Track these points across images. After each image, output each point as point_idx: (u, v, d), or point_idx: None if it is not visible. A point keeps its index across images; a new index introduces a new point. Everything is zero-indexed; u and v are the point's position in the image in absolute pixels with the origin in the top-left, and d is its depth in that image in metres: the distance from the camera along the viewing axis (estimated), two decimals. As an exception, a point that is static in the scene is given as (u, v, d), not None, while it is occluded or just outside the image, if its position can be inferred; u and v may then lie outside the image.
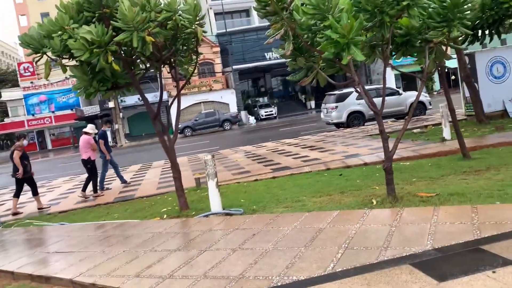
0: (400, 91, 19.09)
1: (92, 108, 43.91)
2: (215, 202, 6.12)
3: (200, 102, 38.69)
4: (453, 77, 40.41)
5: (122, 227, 6.18)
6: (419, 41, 5.92)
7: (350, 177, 7.57)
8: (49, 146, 46.22)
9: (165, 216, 6.77)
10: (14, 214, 9.02)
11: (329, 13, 4.79)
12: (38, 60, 6.56)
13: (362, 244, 3.91)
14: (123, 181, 10.91)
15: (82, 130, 10.46)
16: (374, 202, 5.60)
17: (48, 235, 6.53)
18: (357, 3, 4.96)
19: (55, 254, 5.34)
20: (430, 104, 18.73)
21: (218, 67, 41.26)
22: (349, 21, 4.57)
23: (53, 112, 45.14)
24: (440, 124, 13.55)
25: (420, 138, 11.16)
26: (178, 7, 6.11)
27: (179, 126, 31.04)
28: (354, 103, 18.09)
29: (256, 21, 44.81)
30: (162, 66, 6.84)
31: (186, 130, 32.87)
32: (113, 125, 35.30)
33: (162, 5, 5.98)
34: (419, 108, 18.49)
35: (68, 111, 44.02)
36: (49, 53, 6.26)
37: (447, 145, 9.17)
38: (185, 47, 7.16)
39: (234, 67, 38.02)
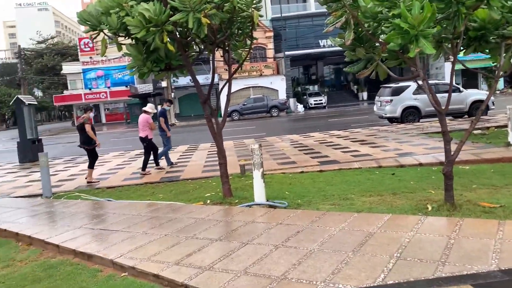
0: (461, 88, 17.96)
1: (145, 86, 45.15)
2: (259, 193, 5.96)
3: (249, 87, 38.65)
4: (519, 76, 37.81)
5: (165, 209, 6.17)
6: (495, 36, 5.39)
7: (404, 177, 7.15)
8: (103, 120, 48.10)
9: (208, 201, 6.70)
10: (89, 183, 9.31)
11: (399, 0, 4.40)
12: (95, 37, 6.59)
13: (417, 255, 3.60)
14: (170, 163, 10.99)
15: (142, 108, 10.56)
16: (429, 208, 5.22)
17: (95, 210, 6.66)
18: (431, -9, 4.52)
19: (99, 231, 5.40)
20: (493, 104, 17.53)
21: (270, 53, 40.91)
22: (421, 10, 4.18)
23: (108, 87, 46.83)
24: (504, 126, 12.65)
25: (481, 140, 10.42)
26: (236, -11, 5.90)
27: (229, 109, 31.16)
28: (410, 97, 17.26)
29: (312, 7, 43.89)
30: (215, 49, 6.68)
31: (234, 114, 32.96)
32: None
33: (220, -14, 5.80)
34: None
35: (123, 88, 45.47)
36: (106, 31, 6.28)
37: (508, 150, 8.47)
38: (240, 31, 6.97)
39: (287, 53, 37.50)
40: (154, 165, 10.48)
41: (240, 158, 10.88)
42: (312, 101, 37.79)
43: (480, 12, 4.93)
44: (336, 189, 6.72)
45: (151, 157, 10.27)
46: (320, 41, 39.51)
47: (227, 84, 7.08)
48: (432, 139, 11.29)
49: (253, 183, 6.20)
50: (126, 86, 45.06)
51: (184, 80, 38.23)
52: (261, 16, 6.46)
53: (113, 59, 45.34)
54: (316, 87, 43.65)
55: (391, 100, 17.43)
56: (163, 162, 10.88)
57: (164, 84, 36.14)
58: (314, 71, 47.68)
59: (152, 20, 5.52)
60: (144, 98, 44.19)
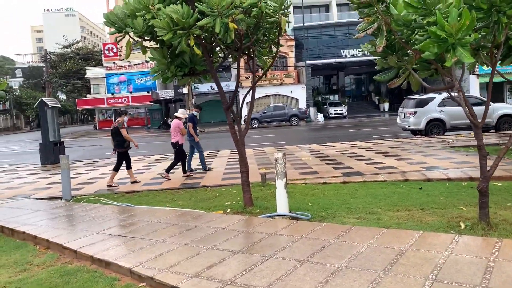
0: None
1: (167, 92, 45.54)
2: (282, 203, 5.76)
3: (270, 95, 38.58)
4: (548, 91, 36.71)
5: (185, 217, 6.02)
6: (537, 47, 5.12)
7: (432, 192, 6.86)
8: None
9: (228, 210, 6.54)
10: (109, 186, 9.41)
11: (435, 7, 4.19)
12: (121, 39, 6.55)
13: (454, 278, 3.34)
14: (190, 169, 10.90)
15: (173, 114, 10.72)
16: (462, 226, 4.94)
17: (114, 215, 6.56)
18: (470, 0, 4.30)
19: (118, 237, 5.28)
20: (521, 119, 16.95)
21: (291, 61, 40.82)
22: (458, 18, 3.96)
23: (130, 92, 47.43)
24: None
25: (511, 156, 10.00)
26: (264, -6, 5.77)
27: (245, 117, 31.15)
28: (435, 110, 16.85)
29: (335, 17, 43.76)
30: (241, 55, 6.55)
31: (253, 122, 32.84)
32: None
33: (248, -10, 5.68)
34: (508, 122, 16.84)
35: (145, 93, 45.98)
36: (131, 34, 6.23)
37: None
38: (265, 38, 6.84)
39: (308, 62, 37.33)
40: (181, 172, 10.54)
41: (260, 167, 10.71)
42: (332, 110, 37.43)
43: (522, 21, 4.67)
44: (361, 202, 6.48)
45: (179, 163, 10.37)
46: (342, 51, 39.26)
47: (251, 91, 6.95)
48: (459, 153, 10.91)
49: (275, 193, 6.01)
50: (148, 92, 45.55)
51: (204, 87, 38.45)
52: (288, 22, 6.31)
53: (136, 64, 45.96)
54: (336, 97, 43.29)
55: (415, 112, 17.04)
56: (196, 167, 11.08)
57: (185, 90, 36.41)
58: (334, 81, 47.35)
59: (179, 23, 5.43)
60: (165, 104, 44.63)
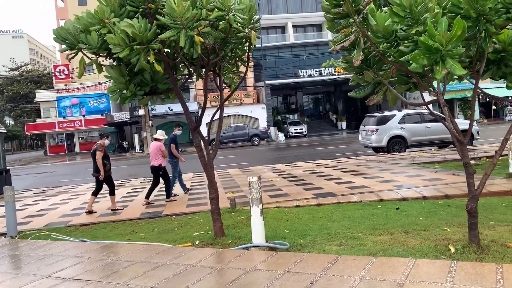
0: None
1: (122, 114, 44.17)
2: (258, 232, 5.24)
3: (230, 115, 38.18)
4: (494, 106, 38.66)
5: (149, 252, 5.36)
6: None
7: (410, 212, 6.58)
8: (77, 149, 46.51)
9: (197, 242, 5.93)
10: (88, 212, 8.87)
11: (422, 17, 3.92)
12: (73, 57, 5.90)
13: (467, 316, 2.95)
14: (187, 189, 10.51)
15: (152, 136, 10.25)
16: (452, 250, 4.62)
17: (67, 253, 5.78)
18: (456, 8, 4.07)
19: (72, 282, 4.55)
20: (478, 134, 17.44)
21: (250, 81, 40.77)
22: (451, 29, 3.70)
23: (83, 115, 45.55)
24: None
25: (479, 171, 10.00)
26: (232, 6, 5.36)
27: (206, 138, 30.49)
28: (395, 127, 17.02)
29: (291, 38, 44.37)
30: (208, 72, 6.07)
31: (214, 143, 32.22)
32: (143, 132, 35.10)
33: (215, 2, 5.25)
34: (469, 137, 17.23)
35: (98, 116, 44.28)
36: (85, 50, 5.63)
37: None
38: (232, 54, 6.42)
39: (267, 82, 37.40)
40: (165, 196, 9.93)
41: (227, 191, 10.16)
42: (292, 130, 37.52)
43: (504, 33, 4.51)
44: (340, 226, 6.07)
45: (157, 187, 9.85)
46: (299, 70, 39.68)
47: (219, 111, 6.47)
48: (426, 169, 10.86)
49: (246, 220, 5.53)
50: (102, 115, 43.94)
51: (162, 108, 37.52)
52: (258, 37, 5.92)
53: (89, 86, 44.34)
54: (296, 116, 43.58)
55: (377, 130, 17.13)
56: (178, 190, 10.55)
57: (141, 112, 35.29)
58: (293, 100, 47.75)
59: (136, 37, 4.90)
60: (121, 127, 43.20)
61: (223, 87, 6.78)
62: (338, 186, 9.40)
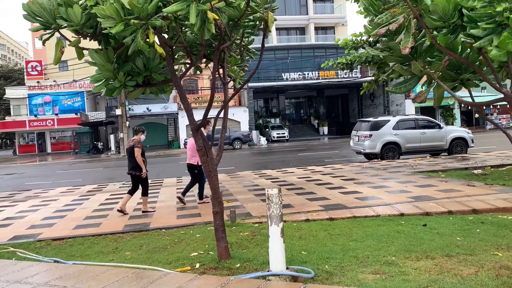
0: (442, 124, 17.31)
1: (97, 114, 42.41)
2: (278, 258, 4.25)
3: (211, 118, 36.89)
4: (476, 115, 38.85)
5: (140, 281, 4.29)
6: None
7: (441, 230, 5.72)
8: (49, 149, 44.37)
9: (197, 265, 4.90)
10: (120, 211, 8.23)
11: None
12: (47, 39, 4.80)
13: None
14: (202, 195, 9.35)
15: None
16: (522, 283, 3.74)
17: (35, 280, 4.64)
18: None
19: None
20: (473, 142, 16.94)
21: (232, 83, 39.73)
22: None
23: (56, 114, 43.52)
24: (500, 166, 11.80)
25: (487, 181, 9.32)
26: (250, -20, 4.39)
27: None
28: (390, 133, 16.33)
29: (274, 40, 43.64)
30: (218, 58, 5.05)
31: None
32: (119, 133, 33.57)
33: (230, -27, 4.28)
34: (460, 145, 16.73)
35: (72, 115, 42.36)
36: (64, 30, 4.56)
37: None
38: (243, 40, 5.45)
39: (249, 84, 36.44)
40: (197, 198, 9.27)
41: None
42: (275, 134, 36.70)
43: None
44: (366, 247, 5.15)
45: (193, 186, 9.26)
46: (282, 74, 38.92)
47: (223, 110, 5.47)
48: (434, 179, 10.10)
49: (251, 237, 4.58)
50: (76, 114, 42.04)
51: (140, 109, 36.09)
52: (275, 20, 4.96)
53: (63, 84, 42.41)
54: (277, 120, 42.80)
55: (371, 135, 16.39)
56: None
57: (118, 112, 33.74)
58: (275, 104, 46.99)
59: (134, 9, 3.87)
60: (96, 127, 41.42)
61: (227, 80, 5.79)
62: (345, 196, 8.50)
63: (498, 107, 38.52)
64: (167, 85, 5.50)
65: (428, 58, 4.53)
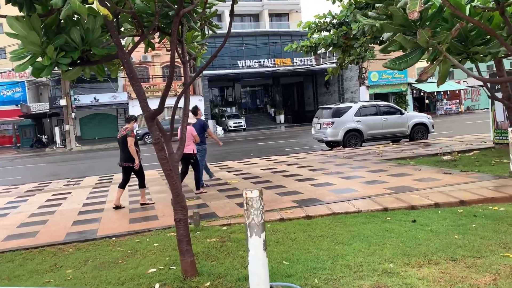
0: (403, 110, 17.06)
1: (40, 105, 39.56)
2: (261, 278, 3.38)
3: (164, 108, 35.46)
4: (426, 101, 39.77)
5: (83, 315, 3.30)
6: None
7: (434, 227, 5.10)
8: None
9: (157, 286, 3.96)
10: (116, 207, 7.59)
11: None
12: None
13: None
14: (200, 185, 8.88)
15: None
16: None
17: None
18: None
19: None
20: (433, 127, 16.85)
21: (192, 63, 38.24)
22: None
23: (-6, 106, 40.11)
24: (466, 151, 11.58)
25: (462, 168, 8.94)
26: None
27: (139, 132, 27.78)
28: (352, 120, 15.85)
29: (228, 27, 42.41)
30: (177, 27, 4.06)
31: (147, 137, 29.51)
32: (65, 125, 31.39)
33: None
34: (421, 131, 16.58)
35: (13, 107, 39.16)
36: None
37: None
38: (204, 9, 4.50)
39: (204, 72, 35.15)
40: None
41: (179, 197, 8.12)
42: (231, 123, 35.73)
43: None
44: (356, 252, 4.42)
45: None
46: (238, 61, 37.88)
47: (184, 96, 4.52)
48: (405, 167, 9.62)
49: (223, 244, 3.68)
50: (17, 105, 38.90)
51: (87, 99, 33.88)
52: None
53: (1, 73, 39.07)
54: (233, 109, 41.81)
55: (333, 123, 15.85)
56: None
57: (63, 103, 31.45)
58: (230, 93, 45.93)
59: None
60: (38, 119, 38.60)
61: (186, 59, 4.82)
62: (318, 189, 7.78)
63: (448, 93, 39.59)
64: (112, 64, 4.46)
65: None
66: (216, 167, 12.60)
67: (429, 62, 3.75)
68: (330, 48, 12.52)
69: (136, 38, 4.53)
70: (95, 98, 34.07)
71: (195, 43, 5.27)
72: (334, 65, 13.60)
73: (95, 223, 6.69)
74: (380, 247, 4.55)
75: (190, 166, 8.79)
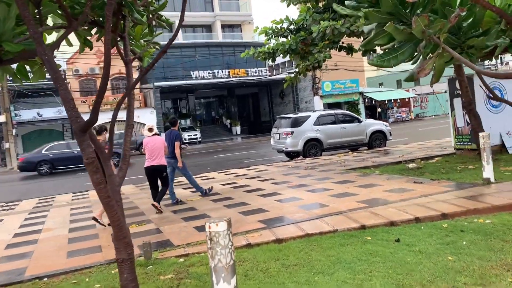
0: (361, 118, 16.81)
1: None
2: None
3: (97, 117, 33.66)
4: (379, 109, 40.49)
5: None
6: None
7: (422, 247, 4.50)
8: None
9: None
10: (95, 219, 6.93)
11: None
12: None
13: None
14: (176, 200, 8.40)
15: (145, 129, 8.17)
16: None
17: None
18: None
19: None
20: (391, 134, 16.73)
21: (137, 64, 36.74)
22: None
23: None
24: (429, 158, 11.35)
25: (430, 176, 8.56)
26: None
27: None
28: (311, 129, 15.39)
29: (180, 37, 41.40)
30: (111, 11, 3.24)
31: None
32: (4, 142, 29.04)
33: None
34: (380, 138, 16.40)
35: None
36: None
37: (502, 190, 6.59)
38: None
39: (155, 84, 33.87)
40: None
41: (128, 222, 7.12)
42: (186, 136, 34.54)
43: None
44: (341, 285, 3.71)
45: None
46: (191, 72, 36.87)
47: (128, 103, 3.68)
48: (372, 176, 9.14)
49: (180, 283, 2.84)
50: None
51: (29, 114, 31.61)
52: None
53: None
54: (188, 121, 40.64)
55: (292, 132, 15.30)
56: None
57: (2, 119, 29.14)
58: (184, 105, 44.74)
59: None
60: None
61: (129, 59, 3.99)
62: (284, 205, 7.06)
63: (398, 101, 40.59)
64: (34, 63, 3.54)
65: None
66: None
67: (424, 57, 3.13)
68: (288, 56, 11.99)
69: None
70: (38, 113, 31.86)
71: (142, 41, 4.43)
72: (292, 75, 13.08)
73: (25, 259, 5.58)
74: (367, 276, 3.87)
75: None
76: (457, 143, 11.62)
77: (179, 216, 7.21)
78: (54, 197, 11.33)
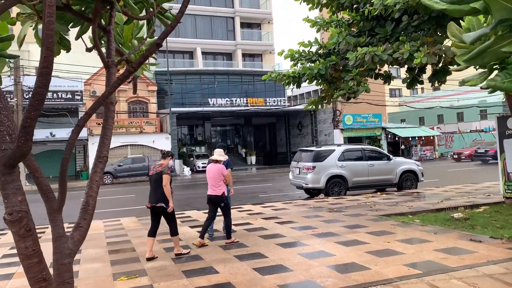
0: (390, 156, 15.34)
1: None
2: None
3: (127, 145, 32.92)
4: (402, 146, 38.84)
5: None
6: None
7: None
8: None
9: None
10: (150, 259, 6.36)
11: None
12: None
13: None
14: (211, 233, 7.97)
15: (210, 158, 7.80)
16: None
17: None
18: None
19: None
20: (423, 175, 15.20)
21: (153, 108, 36.13)
22: None
23: None
24: (475, 206, 9.83)
25: (482, 231, 7.08)
26: None
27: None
28: (335, 165, 13.99)
29: (200, 64, 41.00)
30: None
31: (106, 177, 26.82)
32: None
33: None
34: (410, 179, 14.88)
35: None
36: None
37: None
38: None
39: (172, 109, 33.11)
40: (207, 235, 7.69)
41: (117, 271, 5.78)
42: (200, 164, 33.35)
43: None
44: None
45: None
46: (209, 99, 36.11)
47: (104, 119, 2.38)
48: (413, 228, 7.67)
49: None
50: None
51: (42, 134, 30.95)
52: None
53: None
54: (203, 148, 39.62)
55: (314, 167, 13.93)
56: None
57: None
58: (200, 132, 43.86)
59: None
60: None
61: (112, 61, 2.78)
62: (311, 263, 5.65)
63: (423, 138, 38.97)
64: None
65: None
66: (177, 218, 10.29)
67: None
68: (315, 82, 10.78)
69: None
70: (51, 133, 31.24)
71: (135, 41, 3.24)
72: (315, 98, 11.85)
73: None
74: None
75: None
76: (507, 191, 10.09)
77: (180, 267, 5.85)
78: (46, 229, 10.08)
